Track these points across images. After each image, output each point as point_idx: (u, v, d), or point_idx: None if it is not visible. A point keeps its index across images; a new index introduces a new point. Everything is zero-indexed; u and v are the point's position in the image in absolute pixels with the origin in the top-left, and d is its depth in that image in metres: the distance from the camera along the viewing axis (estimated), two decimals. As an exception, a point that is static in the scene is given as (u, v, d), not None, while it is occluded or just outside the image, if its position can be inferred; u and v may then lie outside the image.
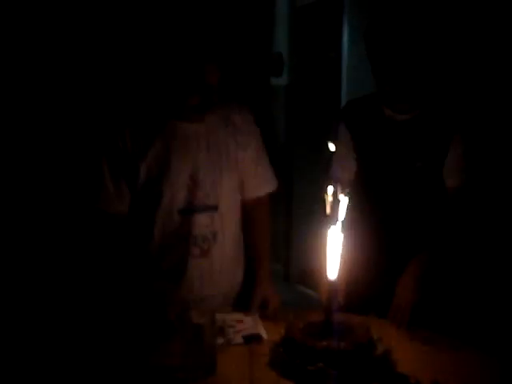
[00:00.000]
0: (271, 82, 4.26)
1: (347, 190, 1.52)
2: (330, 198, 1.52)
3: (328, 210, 1.52)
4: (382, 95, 1.98)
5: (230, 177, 1.92)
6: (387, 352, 1.54)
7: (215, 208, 1.90)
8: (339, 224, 1.52)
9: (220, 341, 1.65)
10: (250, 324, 1.79)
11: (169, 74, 1.80)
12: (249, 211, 2.02)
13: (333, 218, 1.53)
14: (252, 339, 1.70)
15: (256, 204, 2.03)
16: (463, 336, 1.74)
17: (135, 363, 1.56)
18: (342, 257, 1.53)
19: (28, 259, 2.33)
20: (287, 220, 4.20)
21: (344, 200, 1.51)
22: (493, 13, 2.38)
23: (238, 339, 1.70)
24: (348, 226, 1.55)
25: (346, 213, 1.52)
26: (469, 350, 1.65)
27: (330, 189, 1.52)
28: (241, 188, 1.98)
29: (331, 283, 1.53)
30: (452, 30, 2.51)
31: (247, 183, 1.98)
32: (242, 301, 1.96)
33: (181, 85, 1.77)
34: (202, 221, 1.88)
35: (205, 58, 1.77)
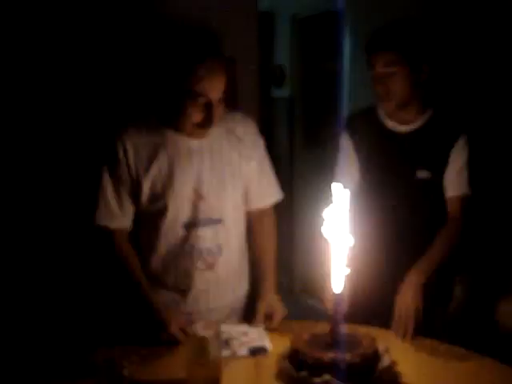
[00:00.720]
0: (272, 94, 4.28)
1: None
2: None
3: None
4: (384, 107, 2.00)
5: (234, 189, 1.92)
6: (393, 363, 1.54)
7: (219, 221, 1.90)
8: (344, 233, 1.53)
9: (225, 353, 1.64)
10: (255, 336, 1.78)
11: (171, 91, 1.80)
12: (254, 223, 2.02)
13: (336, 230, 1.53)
14: (257, 351, 1.69)
15: (261, 215, 2.03)
16: (470, 345, 1.73)
17: (139, 377, 1.55)
18: (347, 268, 1.54)
19: (29, 266, 2.33)
20: (289, 232, 4.20)
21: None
22: (495, 24, 2.39)
23: (244, 351, 1.70)
24: (352, 235, 1.56)
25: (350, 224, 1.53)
26: (475, 359, 1.64)
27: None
28: (245, 199, 1.98)
29: (336, 294, 1.53)
30: (453, 43, 2.52)
31: (251, 194, 1.98)
32: (249, 313, 1.95)
33: (183, 102, 1.77)
34: (206, 234, 1.88)
35: (206, 73, 1.75)
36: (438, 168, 1.97)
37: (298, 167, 4.22)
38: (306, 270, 3.90)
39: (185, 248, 1.88)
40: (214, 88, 1.75)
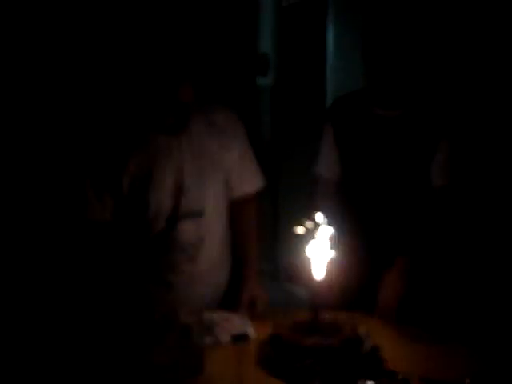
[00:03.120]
0: (257, 82, 4.26)
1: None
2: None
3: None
4: (372, 91, 1.99)
5: (215, 180, 1.92)
6: (375, 348, 1.55)
7: (201, 213, 1.89)
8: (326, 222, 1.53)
9: (208, 340, 1.65)
10: (237, 323, 1.78)
11: (144, 93, 1.80)
12: (236, 210, 2.02)
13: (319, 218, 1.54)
14: (240, 338, 1.70)
15: (243, 202, 2.03)
16: (450, 332, 1.75)
17: (122, 363, 1.55)
18: (329, 255, 1.54)
19: (18, 262, 2.32)
20: (274, 219, 4.20)
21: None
22: (485, 16, 2.39)
23: (226, 338, 1.70)
24: (334, 225, 1.56)
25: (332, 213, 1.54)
26: (456, 345, 1.66)
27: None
28: (227, 187, 1.97)
29: (318, 281, 1.54)
30: (444, 30, 2.52)
31: (233, 182, 1.98)
32: (230, 300, 1.96)
33: (155, 104, 1.78)
34: (188, 227, 1.88)
35: (177, 80, 1.76)
36: (424, 154, 1.97)
37: (283, 155, 4.21)
38: (289, 257, 3.90)
39: (167, 242, 1.88)
40: (185, 91, 1.76)
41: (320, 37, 3.63)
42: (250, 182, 2.02)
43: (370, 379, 1.42)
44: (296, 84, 4.09)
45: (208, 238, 1.92)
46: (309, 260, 1.55)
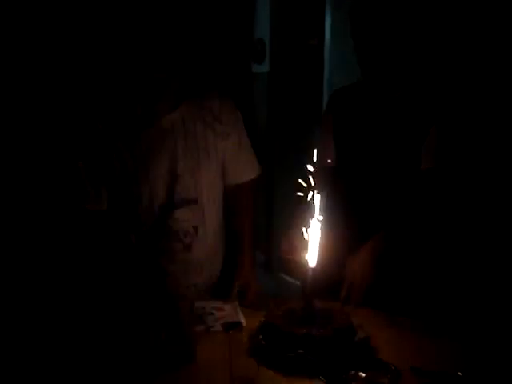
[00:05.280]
0: (253, 69, 4.23)
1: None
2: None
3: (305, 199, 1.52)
4: (365, 75, 1.96)
5: (209, 168, 1.91)
6: (367, 338, 1.55)
7: (195, 201, 1.88)
8: (318, 212, 1.52)
9: (199, 328, 1.64)
10: (229, 312, 1.78)
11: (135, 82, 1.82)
12: (231, 198, 2.01)
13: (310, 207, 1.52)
14: (232, 327, 1.69)
15: (239, 190, 2.01)
16: (442, 324, 1.74)
17: (115, 353, 1.54)
18: (321, 244, 1.53)
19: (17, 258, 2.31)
20: (268, 207, 4.19)
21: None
22: (480, 6, 2.37)
23: (217, 327, 1.69)
24: (326, 213, 1.55)
25: (324, 201, 1.52)
26: (448, 337, 1.65)
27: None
28: (223, 175, 1.96)
29: (311, 270, 1.53)
30: (437, 17, 2.50)
31: (229, 170, 1.97)
32: (222, 288, 1.95)
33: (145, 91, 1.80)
34: (182, 215, 1.88)
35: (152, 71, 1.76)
36: (417, 139, 1.93)
37: (278, 143, 4.19)
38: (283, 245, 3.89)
39: (162, 230, 1.88)
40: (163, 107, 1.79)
41: (318, 23, 3.60)
42: (246, 170, 2.01)
43: (361, 369, 1.41)
44: (293, 71, 4.06)
45: (202, 226, 1.92)
46: (302, 247, 1.54)
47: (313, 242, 1.53)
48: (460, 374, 1.42)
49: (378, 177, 1.99)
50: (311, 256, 1.53)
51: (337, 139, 2.06)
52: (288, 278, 3.91)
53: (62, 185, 1.92)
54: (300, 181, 1.56)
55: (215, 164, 1.92)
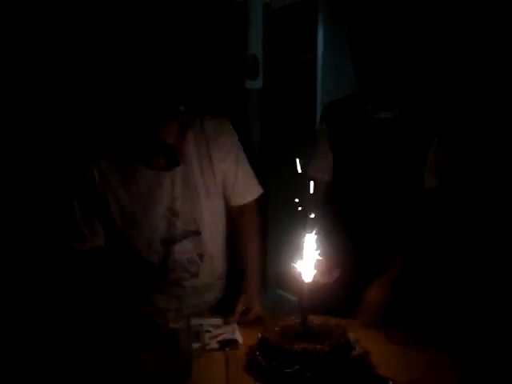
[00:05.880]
0: (246, 85, 4.25)
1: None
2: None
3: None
4: (365, 93, 1.98)
5: (210, 201, 1.90)
6: (364, 354, 1.54)
7: (197, 232, 1.89)
8: (315, 227, 1.52)
9: (196, 346, 1.62)
10: (226, 329, 1.77)
11: (130, 133, 1.76)
12: (234, 218, 1.99)
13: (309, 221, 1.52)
14: (228, 344, 1.68)
15: (242, 211, 1.99)
16: (439, 336, 1.74)
17: (111, 369, 1.53)
18: (319, 259, 1.53)
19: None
20: (263, 222, 4.17)
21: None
22: (477, 14, 2.38)
23: (214, 344, 1.68)
24: (325, 228, 1.55)
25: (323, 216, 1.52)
26: (446, 351, 1.65)
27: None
28: (224, 197, 1.95)
29: (307, 285, 1.52)
30: (434, 30, 2.52)
31: (230, 192, 1.95)
32: (225, 306, 1.93)
33: (141, 144, 1.75)
34: (185, 247, 1.88)
35: (157, 122, 1.70)
36: (419, 155, 1.94)
37: (272, 160, 4.19)
38: (278, 262, 3.88)
39: (167, 263, 1.88)
40: (168, 133, 1.72)
41: (310, 39, 3.63)
42: (247, 191, 1.99)
43: (359, 385, 1.40)
44: (286, 87, 4.08)
45: (207, 254, 1.93)
46: (298, 265, 1.53)
47: (309, 256, 1.52)
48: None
49: (378, 191, 1.99)
50: (307, 271, 1.52)
51: (335, 151, 2.05)
52: (284, 294, 3.89)
53: (55, 222, 1.91)
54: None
55: (215, 192, 1.90)
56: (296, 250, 1.54)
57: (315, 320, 1.56)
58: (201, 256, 1.91)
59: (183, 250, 1.88)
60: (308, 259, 1.52)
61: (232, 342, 1.68)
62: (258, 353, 1.53)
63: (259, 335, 1.58)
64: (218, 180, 1.90)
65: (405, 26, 1.93)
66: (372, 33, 1.87)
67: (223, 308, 1.93)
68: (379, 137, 1.98)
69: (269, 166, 4.19)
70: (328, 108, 2.14)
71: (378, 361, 1.54)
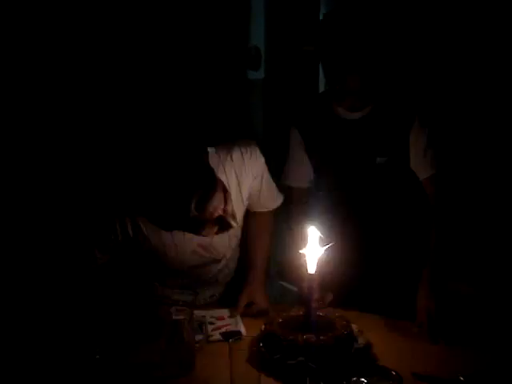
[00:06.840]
0: (248, 76, 4.24)
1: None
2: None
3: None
4: (333, 93, 1.95)
5: (237, 234, 1.93)
6: (367, 345, 1.54)
7: (220, 260, 1.92)
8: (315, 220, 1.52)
9: (199, 337, 1.63)
10: (229, 321, 1.78)
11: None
12: (252, 220, 2.00)
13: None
14: (231, 336, 1.68)
15: (260, 216, 2.01)
16: (444, 329, 1.73)
17: (115, 361, 1.54)
18: (320, 252, 1.52)
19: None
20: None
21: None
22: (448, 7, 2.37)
23: (217, 336, 1.69)
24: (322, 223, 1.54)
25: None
26: (448, 340, 1.64)
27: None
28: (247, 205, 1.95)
29: (310, 277, 1.52)
30: (401, 25, 2.49)
31: (253, 204, 1.95)
32: (230, 297, 1.94)
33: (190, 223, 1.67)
34: (210, 269, 1.92)
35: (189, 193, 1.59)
36: (397, 151, 1.92)
37: (274, 151, 4.18)
38: (281, 254, 3.88)
39: (191, 278, 1.91)
40: (216, 208, 1.64)
41: (312, 29, 3.61)
42: (269, 202, 1.99)
43: (363, 376, 1.40)
44: (288, 78, 4.07)
45: (227, 268, 1.97)
46: (301, 256, 1.53)
47: (311, 249, 1.52)
48: (462, 378, 1.41)
49: (362, 190, 1.96)
50: (311, 263, 1.52)
51: (311, 153, 2.02)
52: (287, 285, 3.90)
53: (70, 249, 1.87)
54: None
55: (241, 215, 1.90)
56: (298, 241, 1.54)
57: (318, 311, 1.56)
58: (220, 270, 1.95)
59: (209, 271, 1.92)
60: (311, 250, 1.52)
61: (235, 334, 1.68)
62: (261, 344, 1.53)
63: (263, 327, 1.59)
64: (245, 204, 1.91)
65: (373, 23, 1.87)
66: (339, 31, 1.81)
67: (228, 300, 1.94)
68: (351, 137, 1.94)
69: (270, 156, 4.18)
70: (297, 110, 2.09)
71: (382, 352, 1.55)
